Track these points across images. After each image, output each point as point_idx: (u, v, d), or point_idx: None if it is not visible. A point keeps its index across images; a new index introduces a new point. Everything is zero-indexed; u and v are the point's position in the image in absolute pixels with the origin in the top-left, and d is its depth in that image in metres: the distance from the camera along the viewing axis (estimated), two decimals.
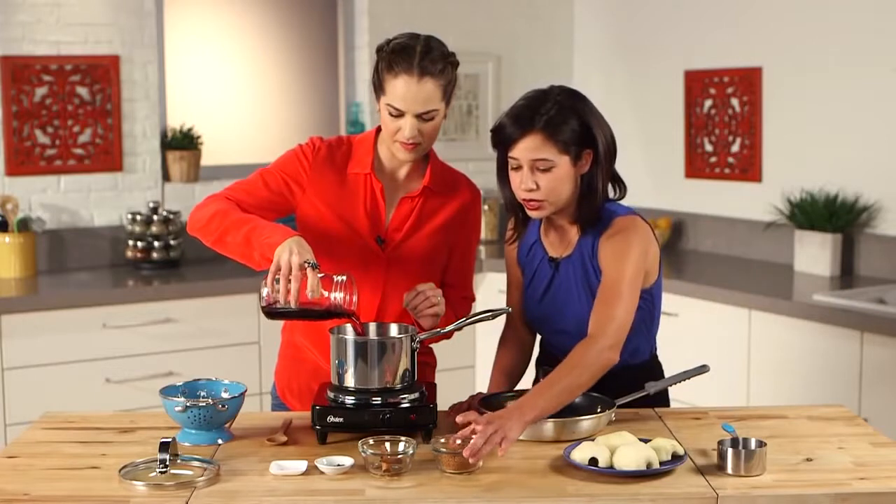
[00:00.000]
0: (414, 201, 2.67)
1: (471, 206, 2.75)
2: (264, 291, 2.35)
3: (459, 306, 2.74)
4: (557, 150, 2.46)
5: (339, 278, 2.37)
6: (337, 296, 2.36)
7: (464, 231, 2.74)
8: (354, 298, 2.37)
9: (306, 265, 2.30)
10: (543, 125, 2.45)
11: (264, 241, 2.38)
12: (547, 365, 2.53)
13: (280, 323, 2.81)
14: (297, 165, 2.65)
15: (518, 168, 2.50)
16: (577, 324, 2.56)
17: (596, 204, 2.55)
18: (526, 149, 2.47)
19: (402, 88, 2.49)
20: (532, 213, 2.56)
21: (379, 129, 2.68)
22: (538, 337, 2.82)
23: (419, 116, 2.51)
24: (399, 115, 2.52)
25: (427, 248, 2.68)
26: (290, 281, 2.30)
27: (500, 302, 2.64)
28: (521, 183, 2.50)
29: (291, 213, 2.68)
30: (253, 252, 2.41)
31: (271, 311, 2.37)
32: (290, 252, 2.31)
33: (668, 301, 2.79)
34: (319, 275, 2.32)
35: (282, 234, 2.37)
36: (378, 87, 2.56)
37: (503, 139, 2.51)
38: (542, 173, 2.48)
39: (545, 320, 2.68)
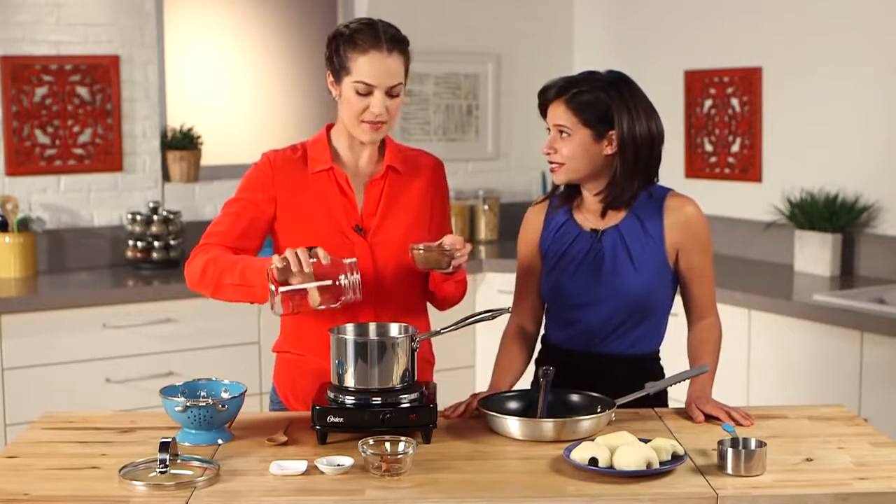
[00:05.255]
0: (381, 183, 2.70)
1: (437, 173, 2.80)
2: (276, 293, 2.37)
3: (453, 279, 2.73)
4: (578, 122, 2.63)
5: (349, 260, 2.41)
6: (351, 277, 2.40)
7: (438, 199, 2.78)
8: (358, 277, 2.41)
9: (311, 249, 2.36)
10: (570, 97, 2.63)
11: (259, 269, 2.43)
12: (547, 365, 2.54)
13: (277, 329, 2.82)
14: (260, 180, 2.68)
15: (549, 131, 2.69)
16: (609, 294, 2.66)
17: (618, 187, 2.65)
18: (552, 114, 2.67)
19: (371, 63, 2.55)
20: (553, 176, 2.70)
21: (329, 128, 2.73)
22: (538, 335, 2.84)
23: (387, 92, 2.57)
24: (367, 92, 2.57)
25: (406, 226, 2.70)
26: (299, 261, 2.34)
27: (501, 302, 2.64)
28: (545, 145, 2.69)
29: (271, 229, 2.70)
30: (254, 288, 2.45)
31: (282, 290, 2.38)
32: (291, 252, 2.35)
33: None
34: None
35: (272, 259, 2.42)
36: (340, 69, 2.60)
37: (542, 103, 2.70)
38: (563, 140, 2.64)
39: (573, 294, 2.71)
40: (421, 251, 2.53)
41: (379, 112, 2.57)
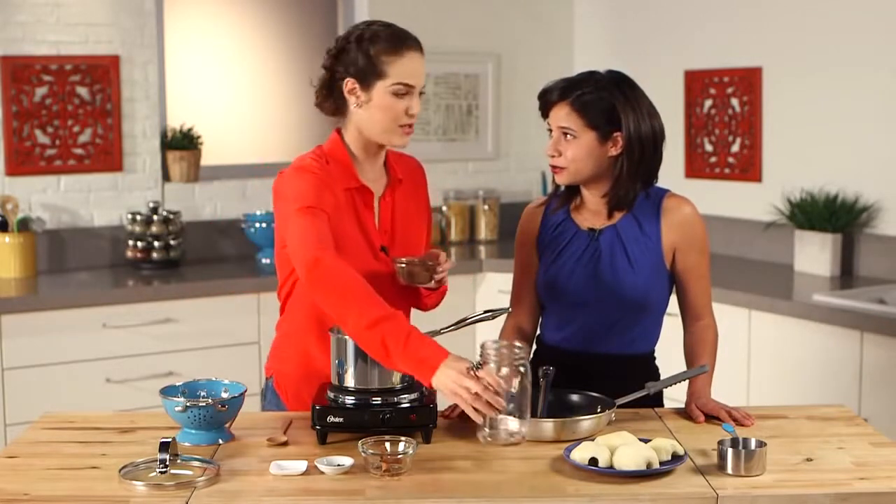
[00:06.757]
0: (391, 198, 2.67)
1: (424, 177, 2.80)
2: (484, 432, 2.34)
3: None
4: (583, 124, 2.61)
5: (516, 348, 2.41)
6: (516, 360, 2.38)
7: (425, 201, 2.79)
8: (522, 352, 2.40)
9: (472, 369, 2.28)
10: (574, 99, 2.61)
11: (421, 367, 2.30)
12: (545, 366, 2.53)
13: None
14: (322, 192, 2.51)
15: (550, 133, 2.67)
16: (606, 293, 2.65)
17: (623, 188, 2.64)
18: (556, 117, 2.64)
19: (412, 64, 2.54)
20: (556, 178, 2.69)
21: (339, 132, 2.62)
22: (535, 334, 2.84)
23: (420, 93, 2.57)
24: (407, 92, 2.53)
25: (414, 236, 2.69)
26: (485, 400, 2.26)
27: (500, 302, 2.64)
28: (549, 148, 2.66)
29: None
30: (398, 369, 2.35)
31: (498, 431, 2.34)
32: (454, 380, 2.27)
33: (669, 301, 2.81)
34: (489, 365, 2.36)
35: (428, 369, 2.29)
36: (370, 74, 2.51)
37: (543, 105, 2.68)
38: (568, 142, 2.62)
39: (570, 293, 2.70)
40: (404, 266, 2.53)
41: (417, 112, 2.55)
